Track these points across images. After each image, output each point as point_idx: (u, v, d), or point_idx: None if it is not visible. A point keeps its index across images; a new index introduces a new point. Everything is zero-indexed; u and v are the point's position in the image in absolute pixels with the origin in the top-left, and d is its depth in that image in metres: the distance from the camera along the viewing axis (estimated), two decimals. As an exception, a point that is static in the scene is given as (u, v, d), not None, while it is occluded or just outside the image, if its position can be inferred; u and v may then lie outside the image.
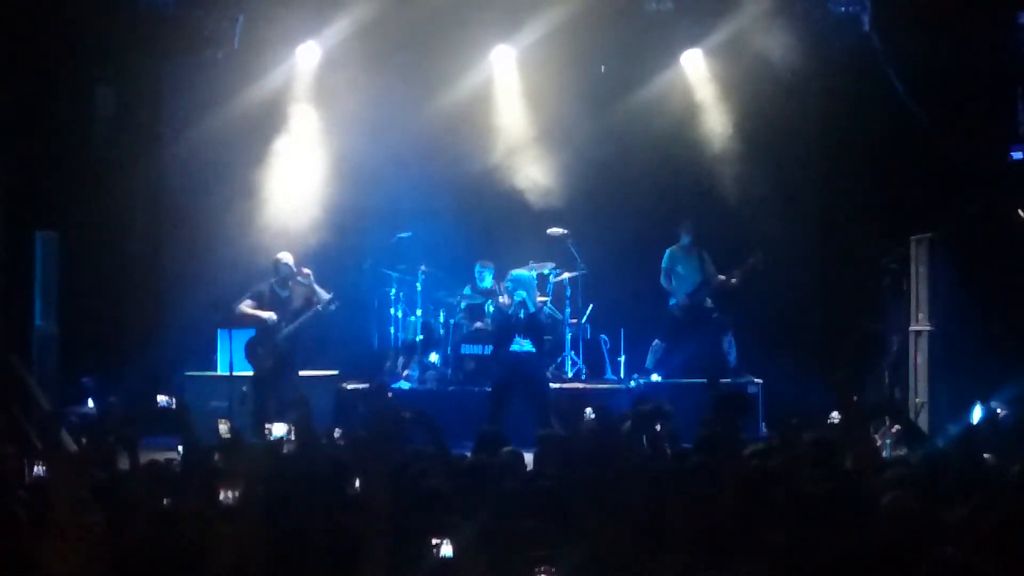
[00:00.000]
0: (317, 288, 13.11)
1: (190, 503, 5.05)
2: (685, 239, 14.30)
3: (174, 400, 7.65)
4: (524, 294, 12.48)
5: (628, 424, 7.30)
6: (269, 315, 12.97)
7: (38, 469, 5.47)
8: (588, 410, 7.93)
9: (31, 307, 13.27)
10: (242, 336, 13.38)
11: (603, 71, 15.35)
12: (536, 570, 4.00)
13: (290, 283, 13.12)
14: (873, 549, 4.72)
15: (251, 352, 13.09)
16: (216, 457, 6.55)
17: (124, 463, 7.27)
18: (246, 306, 13.03)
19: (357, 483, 5.30)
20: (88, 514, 4.92)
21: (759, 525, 5.06)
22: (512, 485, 5.94)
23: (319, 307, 13.02)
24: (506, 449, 7.12)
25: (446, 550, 4.25)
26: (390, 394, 8.48)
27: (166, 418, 12.90)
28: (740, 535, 4.89)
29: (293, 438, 7.26)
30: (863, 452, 6.49)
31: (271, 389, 12.80)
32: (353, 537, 4.32)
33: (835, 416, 9.50)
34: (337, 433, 7.34)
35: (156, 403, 13.51)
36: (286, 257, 13.20)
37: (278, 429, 7.22)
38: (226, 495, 4.48)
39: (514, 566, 4.18)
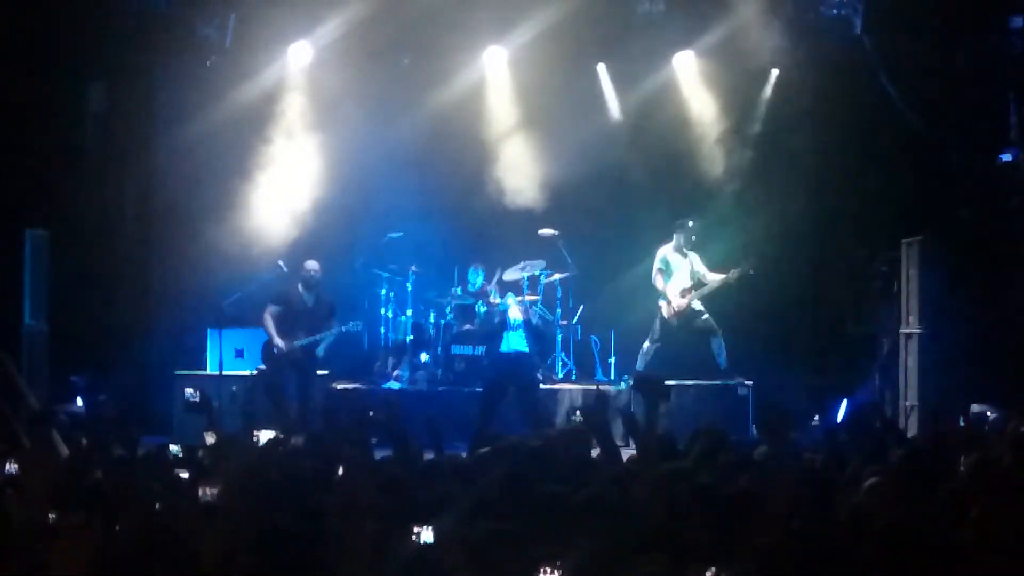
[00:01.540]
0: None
1: (179, 501, 5.04)
2: (679, 239, 14.26)
3: (199, 392, 7.58)
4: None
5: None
6: (279, 344, 12.86)
7: (10, 467, 5.44)
8: (577, 412, 7.94)
9: (20, 305, 13.25)
10: (231, 336, 13.36)
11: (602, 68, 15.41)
12: (540, 570, 3.98)
13: (317, 290, 13.08)
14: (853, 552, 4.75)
15: (267, 353, 13.02)
16: (200, 454, 6.54)
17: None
18: (270, 315, 12.96)
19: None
20: (74, 514, 4.91)
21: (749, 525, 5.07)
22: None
23: (347, 327, 13.06)
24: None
25: (427, 536, 4.23)
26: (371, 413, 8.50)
27: (157, 418, 13.03)
28: (729, 536, 4.89)
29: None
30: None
31: (270, 390, 12.73)
32: (333, 530, 4.32)
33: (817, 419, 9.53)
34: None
35: (153, 401, 13.66)
36: (313, 265, 13.14)
37: (265, 436, 7.16)
38: (205, 492, 4.44)
39: (516, 565, 4.16)
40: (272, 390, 12.67)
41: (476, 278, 14.67)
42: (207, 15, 14.43)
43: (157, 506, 5.39)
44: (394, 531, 4.43)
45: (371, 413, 7.92)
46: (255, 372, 13.12)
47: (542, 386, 13.58)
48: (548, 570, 4.01)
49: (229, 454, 6.44)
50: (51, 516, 4.53)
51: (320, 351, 13.02)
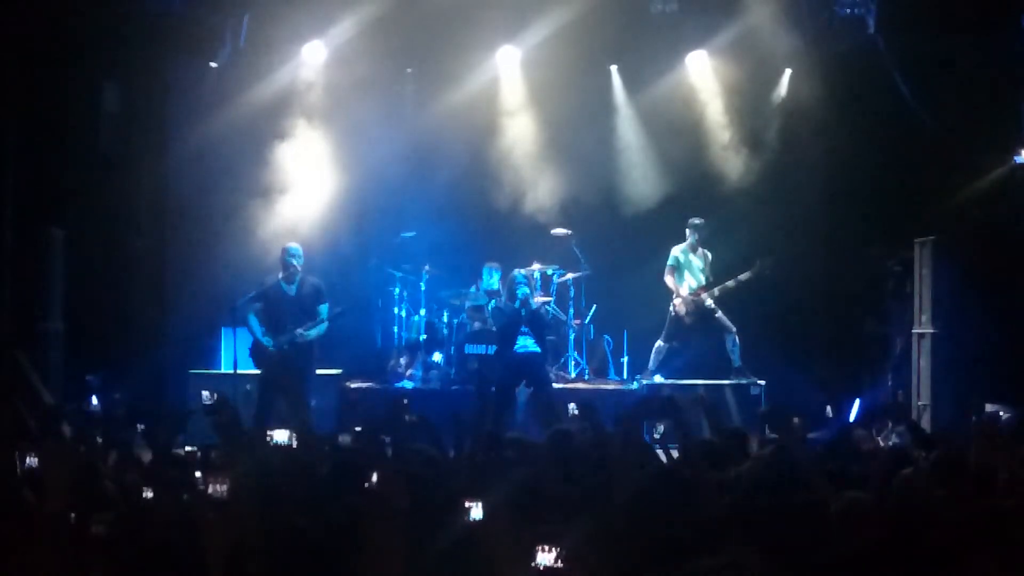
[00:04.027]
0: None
1: (191, 498, 5.07)
2: (692, 238, 14.28)
3: (215, 395, 7.58)
4: (526, 291, 12.50)
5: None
6: (266, 344, 12.09)
7: (30, 460, 5.47)
8: (572, 406, 7.95)
9: (36, 304, 13.30)
10: (246, 335, 13.34)
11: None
12: (538, 548, 4.00)
13: (299, 277, 12.23)
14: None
15: (256, 354, 12.39)
16: (213, 455, 6.55)
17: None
18: (254, 313, 12.16)
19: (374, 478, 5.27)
20: (92, 513, 4.95)
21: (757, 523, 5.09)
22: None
23: (324, 322, 12.15)
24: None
25: (476, 513, 4.23)
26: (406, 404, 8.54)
27: (171, 416, 13.05)
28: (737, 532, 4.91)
29: (295, 444, 7.20)
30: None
31: (276, 391, 12.03)
32: (357, 530, 4.34)
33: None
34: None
35: (168, 400, 13.67)
36: (293, 246, 12.34)
37: (279, 435, 7.14)
38: (215, 488, 4.43)
39: (517, 544, 4.18)
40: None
41: (491, 278, 14.68)
42: (221, 15, 14.46)
43: (185, 498, 5.43)
44: (431, 518, 4.47)
45: (405, 401, 7.92)
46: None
47: (555, 385, 13.59)
48: (546, 549, 4.03)
49: (241, 451, 6.46)
50: (71, 515, 4.56)
51: (311, 334, 12.20)
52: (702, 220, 14.20)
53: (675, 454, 7.55)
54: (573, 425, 7.67)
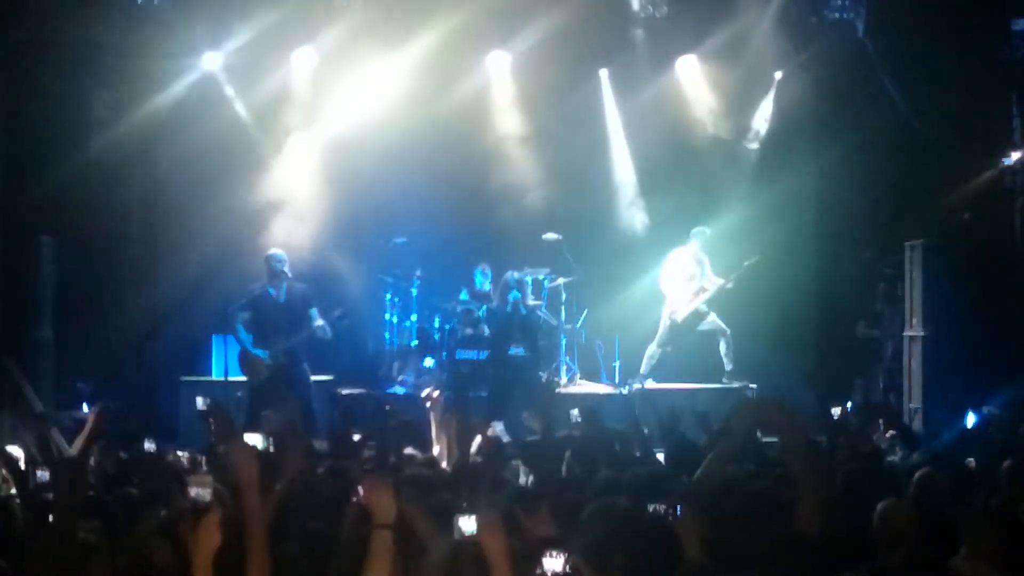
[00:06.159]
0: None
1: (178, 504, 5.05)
2: (693, 245, 14.25)
3: (208, 400, 7.56)
4: (518, 295, 12.51)
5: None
6: (261, 363, 12.05)
7: (41, 474, 5.45)
8: (574, 412, 7.97)
9: (27, 311, 13.26)
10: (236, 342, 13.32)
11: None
12: (545, 553, 3.99)
13: (285, 283, 12.23)
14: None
15: (244, 362, 12.35)
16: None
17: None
18: (242, 323, 12.12)
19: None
20: (85, 521, 4.94)
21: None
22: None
23: (323, 329, 12.04)
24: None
25: (468, 526, 4.21)
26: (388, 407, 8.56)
27: (163, 424, 13.03)
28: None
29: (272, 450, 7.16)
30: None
31: (267, 401, 11.72)
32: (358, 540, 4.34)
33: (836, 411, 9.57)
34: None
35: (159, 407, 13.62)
36: (278, 252, 12.37)
37: (252, 440, 7.11)
38: (197, 492, 4.39)
39: (523, 550, 4.18)
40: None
41: (483, 279, 14.68)
42: (211, 21, 14.46)
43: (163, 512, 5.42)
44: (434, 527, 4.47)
45: (387, 406, 7.94)
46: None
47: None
48: (553, 554, 4.02)
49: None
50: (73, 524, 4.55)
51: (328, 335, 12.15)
52: (705, 228, 14.20)
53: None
54: (576, 430, 7.70)
